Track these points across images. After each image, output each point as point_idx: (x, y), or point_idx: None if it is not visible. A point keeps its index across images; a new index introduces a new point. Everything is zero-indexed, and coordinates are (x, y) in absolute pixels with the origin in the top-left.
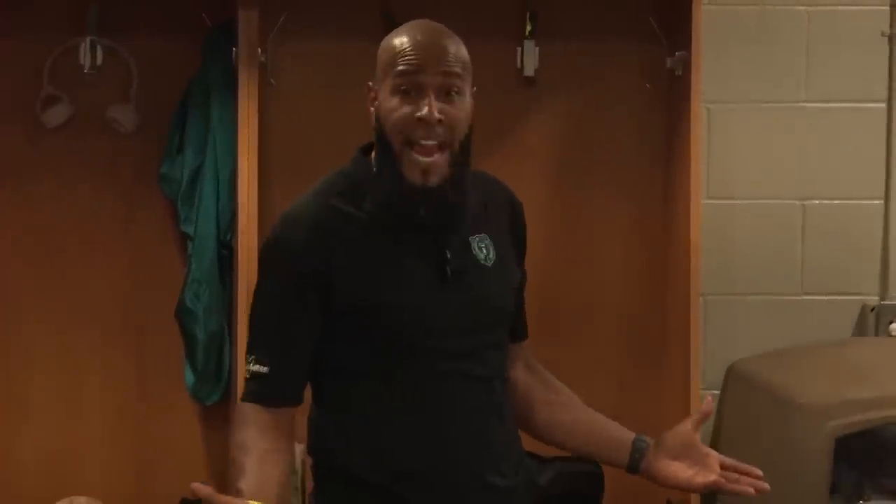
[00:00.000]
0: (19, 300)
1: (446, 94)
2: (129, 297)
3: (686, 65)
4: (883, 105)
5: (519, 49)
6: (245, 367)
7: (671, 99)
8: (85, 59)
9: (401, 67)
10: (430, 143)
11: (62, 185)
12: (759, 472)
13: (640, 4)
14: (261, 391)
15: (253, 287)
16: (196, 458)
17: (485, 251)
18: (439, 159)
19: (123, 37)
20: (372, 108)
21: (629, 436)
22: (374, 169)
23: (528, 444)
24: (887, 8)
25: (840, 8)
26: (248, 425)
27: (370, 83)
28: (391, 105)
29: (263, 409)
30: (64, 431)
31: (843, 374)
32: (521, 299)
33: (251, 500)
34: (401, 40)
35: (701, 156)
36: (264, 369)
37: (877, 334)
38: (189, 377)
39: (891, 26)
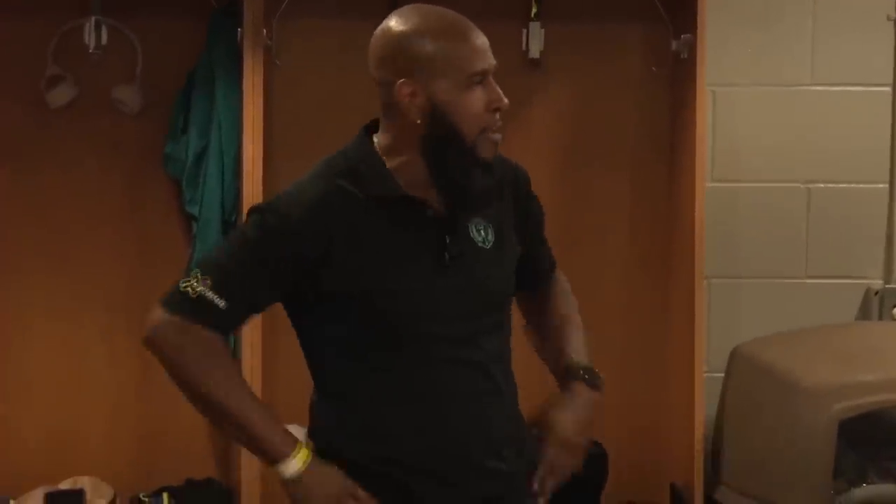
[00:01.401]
0: (24, 280)
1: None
2: (134, 277)
3: (691, 48)
4: (888, 88)
5: (524, 31)
6: (189, 280)
7: (676, 82)
8: (90, 38)
9: (478, 66)
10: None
11: (67, 165)
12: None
13: None
14: (214, 321)
15: None
16: (199, 439)
17: (483, 233)
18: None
19: (128, 17)
20: (405, 101)
21: (562, 367)
22: (431, 159)
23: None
24: None
25: None
26: (210, 343)
27: (403, 80)
28: (463, 98)
29: (217, 336)
30: (68, 412)
31: (847, 357)
32: (538, 250)
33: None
34: (466, 33)
35: (706, 139)
36: (222, 303)
37: (880, 318)
38: None
39: None
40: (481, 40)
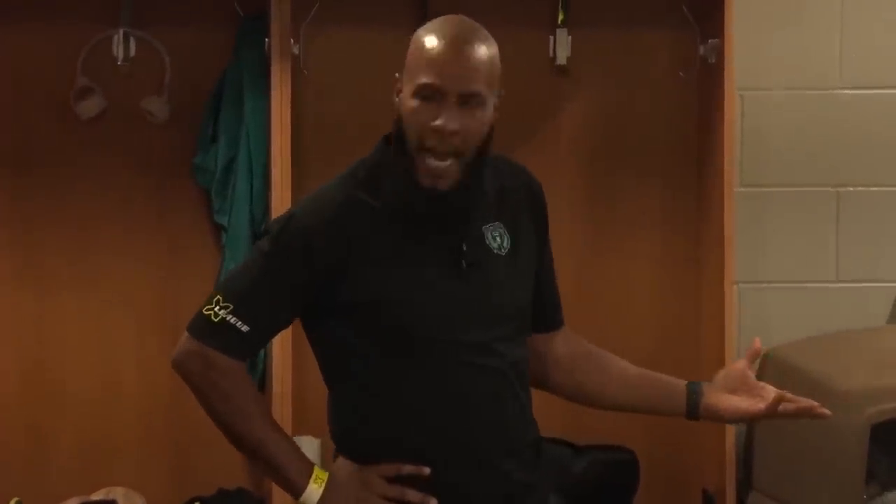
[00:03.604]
0: (55, 291)
1: (465, 104)
2: (164, 287)
3: (719, 52)
4: None
5: (551, 38)
6: (212, 305)
7: (704, 87)
8: (118, 50)
9: (424, 78)
10: (443, 154)
11: (96, 177)
12: (816, 404)
13: None
14: (237, 346)
15: None
16: (231, 449)
17: (498, 240)
18: (452, 165)
19: (157, 28)
20: (396, 100)
21: (681, 382)
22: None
23: (562, 431)
24: None
25: None
26: (230, 374)
27: (397, 74)
28: (412, 106)
29: (239, 364)
30: (101, 422)
31: (879, 361)
32: (551, 284)
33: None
34: (430, 43)
35: (734, 143)
36: (244, 328)
37: None
38: None
39: None
40: (447, 56)
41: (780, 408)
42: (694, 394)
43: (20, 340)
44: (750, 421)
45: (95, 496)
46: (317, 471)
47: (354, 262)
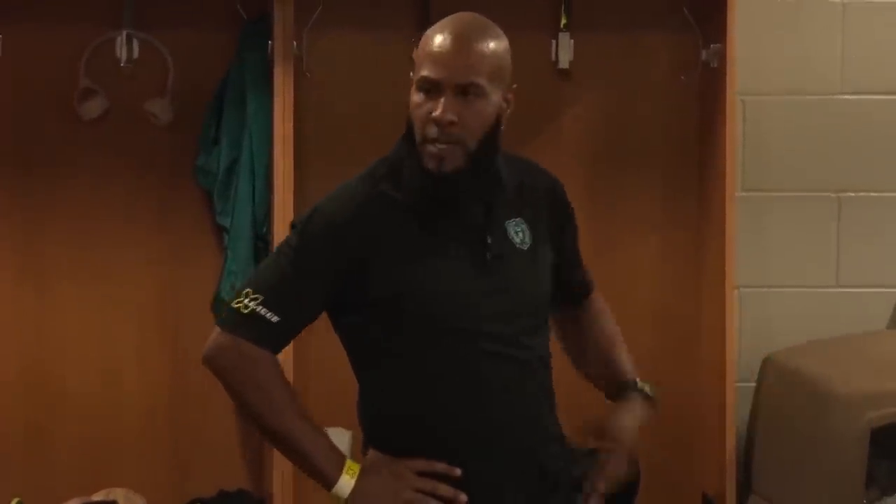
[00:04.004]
0: (57, 291)
1: (464, 95)
2: (166, 289)
3: (721, 57)
4: None
5: (554, 41)
6: (242, 298)
7: (706, 91)
8: (121, 52)
9: (424, 72)
10: (444, 143)
11: (99, 178)
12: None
13: None
14: (268, 337)
15: None
16: (232, 451)
17: (520, 235)
18: (452, 150)
19: (159, 30)
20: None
21: (621, 381)
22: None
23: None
24: None
25: (875, 0)
26: (262, 365)
27: (412, 73)
28: (414, 100)
29: (271, 355)
30: (102, 423)
31: (880, 365)
32: (574, 265)
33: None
34: (433, 38)
35: (736, 148)
36: (275, 318)
37: None
38: None
39: None
40: (445, 50)
41: None
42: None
43: (21, 341)
44: None
45: (96, 497)
46: (349, 462)
47: (381, 254)
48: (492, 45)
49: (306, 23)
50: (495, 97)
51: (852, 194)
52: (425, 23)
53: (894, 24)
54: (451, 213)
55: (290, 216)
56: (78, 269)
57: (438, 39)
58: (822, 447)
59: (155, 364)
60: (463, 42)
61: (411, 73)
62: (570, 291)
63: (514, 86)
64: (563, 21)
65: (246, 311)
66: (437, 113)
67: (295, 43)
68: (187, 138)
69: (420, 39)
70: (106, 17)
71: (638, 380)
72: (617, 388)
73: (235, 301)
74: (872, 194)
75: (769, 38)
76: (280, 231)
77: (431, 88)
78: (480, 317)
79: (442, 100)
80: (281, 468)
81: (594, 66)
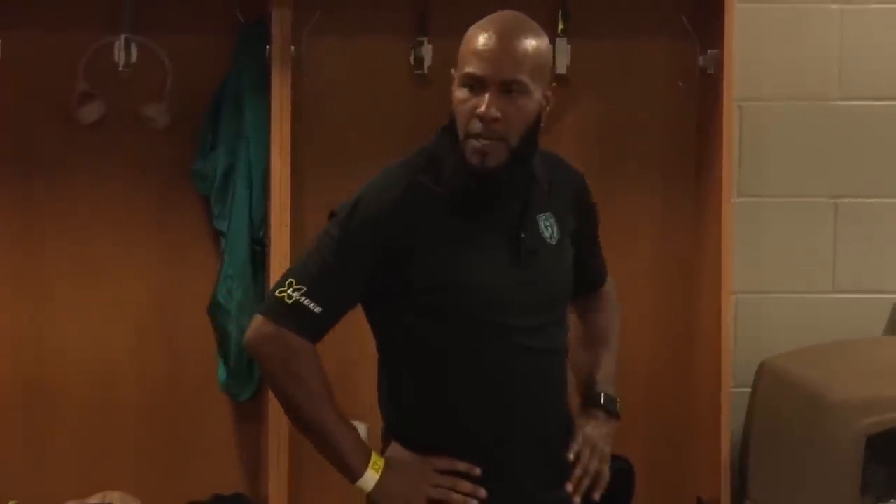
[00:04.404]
0: (54, 296)
1: (507, 92)
2: (163, 293)
3: (718, 63)
4: None
5: (551, 47)
6: (285, 288)
7: (703, 97)
8: (119, 56)
9: (468, 69)
10: (486, 138)
11: (96, 182)
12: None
13: (673, 3)
14: (310, 327)
15: None
16: (229, 455)
17: (550, 230)
18: (495, 145)
19: (157, 34)
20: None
21: (590, 381)
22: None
23: None
24: None
25: (873, 6)
26: (303, 356)
27: (453, 70)
28: (458, 96)
29: (311, 345)
30: (98, 427)
31: (875, 372)
32: (593, 255)
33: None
34: (476, 36)
35: (733, 154)
36: (317, 309)
37: None
38: (222, 374)
39: None
40: (490, 47)
41: None
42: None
43: (19, 344)
44: None
45: (92, 500)
46: (374, 457)
47: (420, 245)
48: (534, 42)
49: (304, 27)
50: (537, 94)
51: (849, 200)
52: (423, 29)
53: (891, 30)
54: (488, 207)
55: (286, 221)
56: (75, 272)
57: (483, 37)
58: (817, 453)
59: (152, 367)
60: (507, 40)
61: (453, 70)
62: (585, 280)
63: (554, 84)
64: (561, 27)
65: (290, 301)
66: (482, 109)
67: (293, 47)
68: (185, 142)
69: (414, 46)
70: (104, 22)
71: (603, 394)
72: (586, 396)
73: (279, 290)
74: (869, 200)
75: (766, 44)
76: (277, 236)
77: (475, 85)
78: (515, 310)
79: (487, 96)
80: (277, 472)
81: (591, 72)
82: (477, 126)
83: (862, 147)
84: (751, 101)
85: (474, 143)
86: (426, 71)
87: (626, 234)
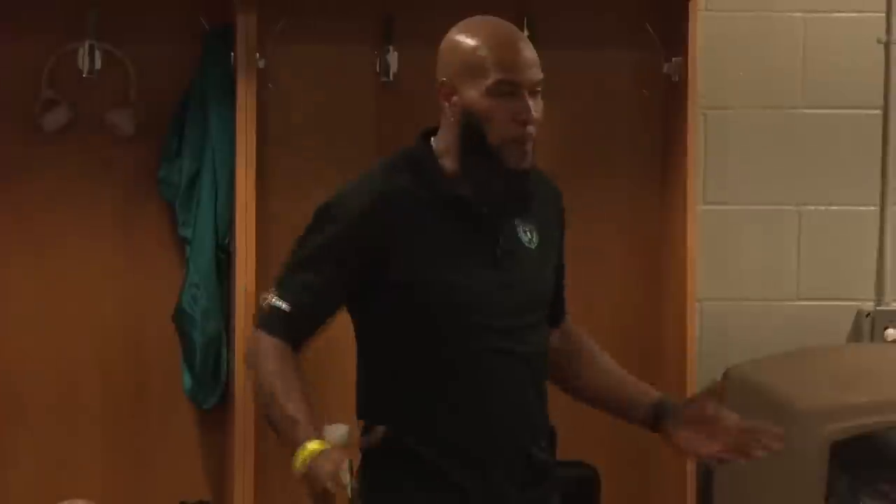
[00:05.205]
0: (16, 303)
1: (535, 93)
2: (127, 300)
3: (683, 71)
4: (878, 112)
5: None
6: (267, 294)
7: (668, 105)
8: (84, 63)
9: (498, 76)
10: (529, 142)
11: (61, 189)
12: (775, 431)
13: (637, 11)
14: (280, 326)
15: (251, 289)
16: (194, 462)
17: (528, 234)
18: (533, 147)
19: (122, 41)
20: (446, 104)
21: (654, 395)
22: (459, 159)
23: None
24: (883, 15)
25: (836, 14)
26: (271, 351)
27: (444, 79)
28: (486, 104)
29: (279, 341)
30: (62, 435)
31: (839, 379)
32: (560, 284)
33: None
34: (491, 43)
35: (698, 161)
36: (287, 307)
37: (872, 340)
38: (187, 381)
39: (887, 33)
40: (517, 53)
41: (722, 456)
42: (661, 411)
43: None
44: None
45: None
46: (315, 440)
47: (397, 243)
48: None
49: (269, 34)
50: None
51: (813, 208)
52: (388, 37)
53: (854, 38)
54: (466, 209)
55: (252, 228)
56: (38, 280)
57: (508, 44)
58: (782, 461)
59: (116, 376)
60: (525, 43)
61: (444, 79)
62: (554, 306)
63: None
64: (526, 34)
65: (264, 305)
66: (534, 114)
67: (258, 54)
68: (150, 149)
69: (380, 53)
70: (69, 28)
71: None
72: (656, 409)
73: (262, 297)
74: (833, 208)
75: (731, 52)
76: (241, 243)
77: (508, 91)
78: (491, 311)
79: (529, 102)
80: (242, 479)
81: (555, 80)
82: (520, 131)
83: (826, 155)
84: (716, 110)
85: (520, 147)
86: (392, 78)
87: (592, 242)
